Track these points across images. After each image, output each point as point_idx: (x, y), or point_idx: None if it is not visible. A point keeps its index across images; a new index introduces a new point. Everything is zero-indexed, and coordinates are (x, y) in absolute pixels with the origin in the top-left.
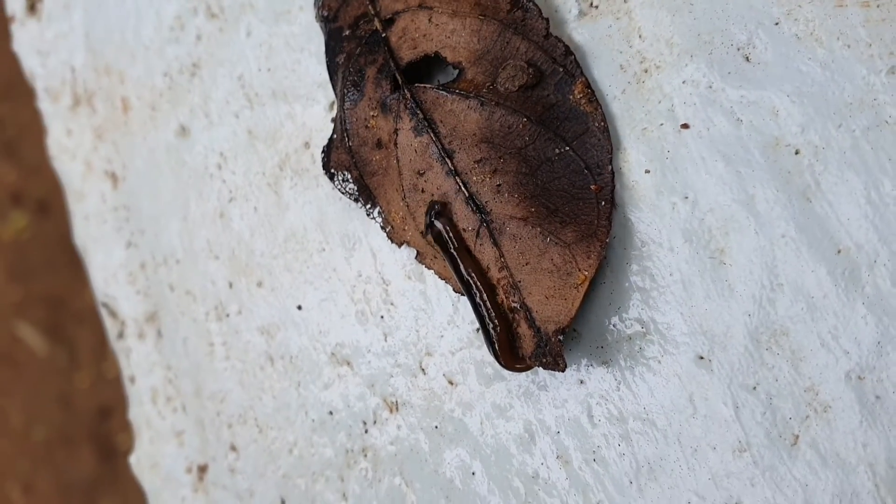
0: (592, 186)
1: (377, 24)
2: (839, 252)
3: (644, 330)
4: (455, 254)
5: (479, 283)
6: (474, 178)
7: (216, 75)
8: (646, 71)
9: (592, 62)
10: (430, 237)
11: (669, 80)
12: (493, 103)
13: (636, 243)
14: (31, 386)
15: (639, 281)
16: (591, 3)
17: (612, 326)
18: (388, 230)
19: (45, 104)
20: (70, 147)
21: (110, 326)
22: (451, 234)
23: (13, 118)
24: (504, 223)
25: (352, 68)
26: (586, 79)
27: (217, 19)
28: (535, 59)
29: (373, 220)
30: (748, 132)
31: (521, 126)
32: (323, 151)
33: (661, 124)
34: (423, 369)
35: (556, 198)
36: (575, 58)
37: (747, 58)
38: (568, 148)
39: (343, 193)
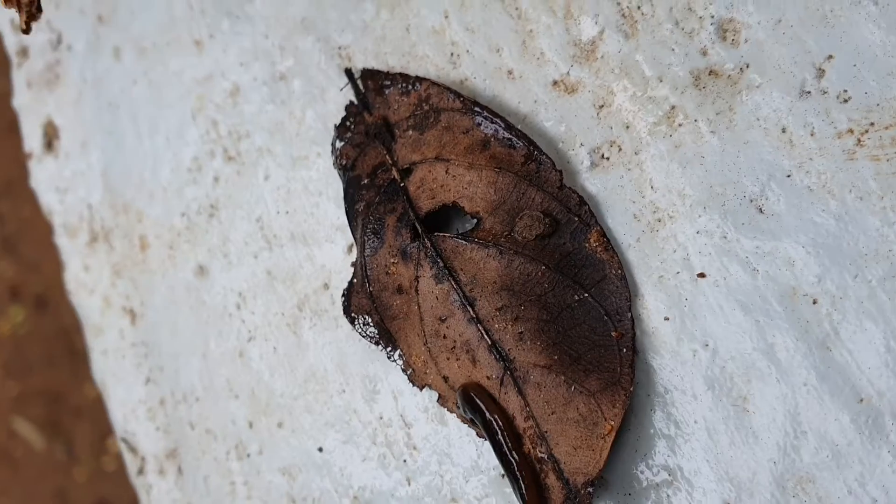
0: (613, 333)
1: (395, 173)
2: (861, 401)
3: (671, 477)
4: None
5: (506, 433)
6: (496, 326)
7: (234, 217)
8: (659, 220)
9: (606, 211)
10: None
11: (683, 230)
12: (511, 252)
13: (659, 390)
14: (29, 482)
15: (664, 428)
16: (603, 155)
17: (639, 474)
18: (409, 373)
19: (62, 240)
20: (88, 283)
21: (130, 462)
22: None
23: (13, 214)
24: (528, 371)
25: (371, 216)
26: (601, 227)
27: (234, 162)
28: (550, 209)
29: (394, 363)
30: (765, 282)
31: (539, 273)
32: (343, 295)
33: (678, 272)
34: None
35: (578, 345)
36: (589, 207)
37: (760, 209)
38: (587, 294)
39: (364, 337)
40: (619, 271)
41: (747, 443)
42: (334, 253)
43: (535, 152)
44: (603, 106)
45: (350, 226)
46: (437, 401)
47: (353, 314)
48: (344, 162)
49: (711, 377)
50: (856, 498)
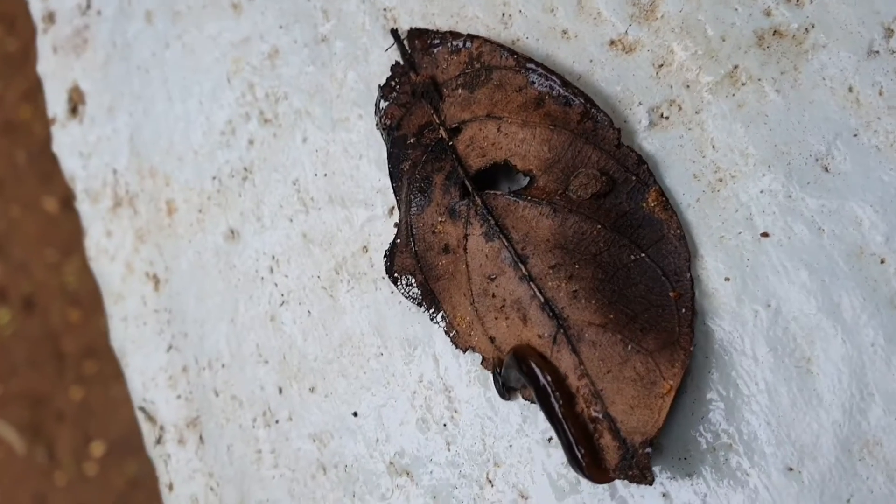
0: (671, 293)
1: (443, 132)
2: None
3: (729, 441)
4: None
5: (556, 392)
6: (549, 284)
7: (269, 180)
8: (720, 180)
9: (665, 171)
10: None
11: (746, 190)
12: (565, 210)
13: (718, 351)
14: (8, 485)
15: (722, 390)
16: (661, 114)
17: (695, 437)
18: (452, 335)
19: (83, 205)
20: (109, 249)
21: (147, 432)
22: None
23: (1, 215)
24: (582, 330)
25: (418, 175)
26: (659, 187)
27: (271, 125)
28: (607, 168)
29: (436, 325)
30: (830, 241)
31: (595, 233)
32: (386, 255)
33: (740, 233)
34: (490, 481)
35: (634, 304)
36: (647, 167)
37: (826, 168)
38: (644, 254)
39: (406, 297)
40: (678, 231)
41: (811, 405)
42: (374, 216)
43: (592, 110)
44: (662, 65)
45: (393, 186)
46: (481, 363)
47: (395, 274)
48: (388, 122)
49: (773, 338)
50: None
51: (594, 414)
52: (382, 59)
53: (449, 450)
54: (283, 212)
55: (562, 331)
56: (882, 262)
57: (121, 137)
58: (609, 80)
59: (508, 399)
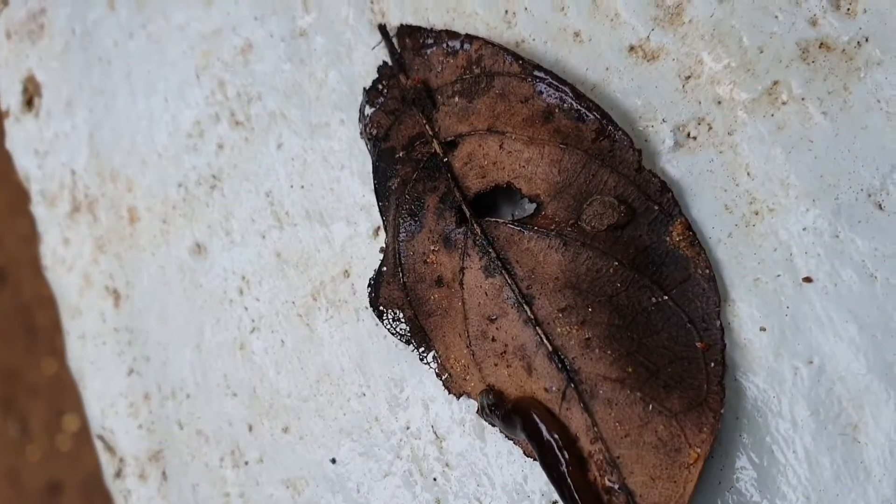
0: (698, 343)
1: (436, 146)
2: None
3: None
4: (537, 421)
5: (565, 453)
6: (558, 330)
7: (240, 189)
8: (756, 213)
9: (691, 200)
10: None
11: (786, 226)
12: (578, 243)
13: (750, 412)
14: None
15: (755, 457)
16: (689, 134)
17: None
18: (444, 378)
19: (39, 209)
20: (66, 258)
21: (106, 463)
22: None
23: None
24: (596, 385)
25: (408, 195)
26: (686, 219)
27: (243, 128)
28: (625, 195)
29: (426, 366)
30: (884, 290)
31: (611, 270)
32: (370, 285)
33: (778, 275)
34: None
35: (656, 356)
36: (672, 195)
37: (880, 205)
38: (667, 297)
39: (392, 334)
40: (707, 271)
41: (857, 479)
42: (357, 235)
43: (610, 127)
44: (690, 77)
45: (379, 205)
46: (477, 412)
47: (381, 307)
48: (375, 131)
49: (816, 400)
50: None
51: (608, 484)
52: (368, 57)
53: None
54: (255, 226)
55: (572, 385)
56: None
57: (80, 135)
58: (628, 92)
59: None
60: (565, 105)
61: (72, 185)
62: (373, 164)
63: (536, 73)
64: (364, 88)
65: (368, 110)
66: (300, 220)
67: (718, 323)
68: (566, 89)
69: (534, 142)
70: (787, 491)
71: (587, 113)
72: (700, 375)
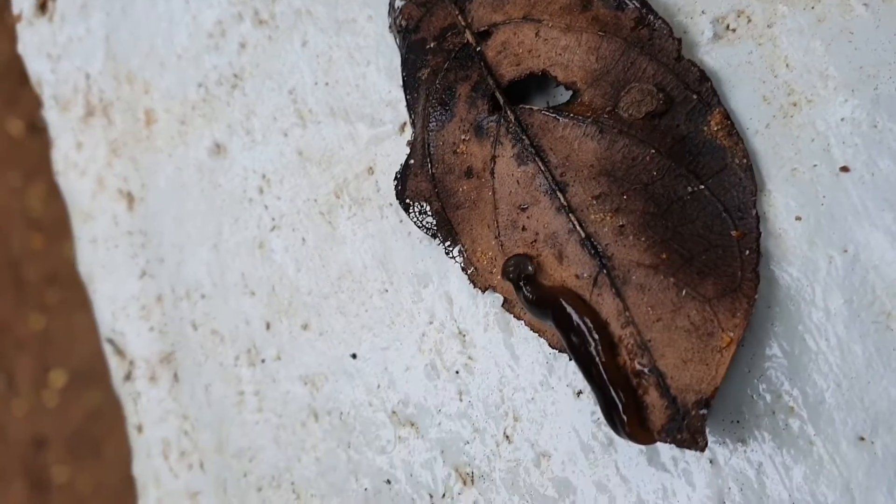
0: (733, 232)
1: (469, 36)
2: None
3: (792, 404)
4: (566, 305)
5: (597, 340)
6: (592, 217)
7: (262, 88)
8: (794, 104)
9: (730, 91)
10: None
11: (824, 117)
12: (614, 131)
13: (783, 301)
14: None
15: (786, 345)
16: (728, 26)
17: (752, 397)
18: (470, 272)
19: (51, 113)
20: (79, 162)
21: (115, 367)
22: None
23: None
24: (629, 271)
25: (439, 85)
26: (724, 108)
27: (266, 26)
28: (664, 84)
29: (452, 260)
30: None
31: (647, 158)
32: (397, 178)
33: (815, 165)
34: (507, 437)
35: (690, 244)
36: (711, 84)
37: None
38: (703, 186)
39: (419, 227)
40: (745, 161)
41: (889, 366)
42: (383, 132)
43: (649, 15)
44: None
45: (407, 98)
46: (503, 305)
47: (408, 200)
48: (405, 23)
49: (849, 288)
50: None
51: (639, 367)
52: None
53: (461, 400)
54: (277, 125)
55: (604, 271)
56: None
57: (95, 38)
58: None
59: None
60: None
61: (86, 89)
62: (402, 56)
63: None
64: None
65: (398, 3)
66: (324, 118)
67: (754, 212)
68: None
69: (571, 29)
70: (818, 379)
71: (626, 1)
72: (734, 263)
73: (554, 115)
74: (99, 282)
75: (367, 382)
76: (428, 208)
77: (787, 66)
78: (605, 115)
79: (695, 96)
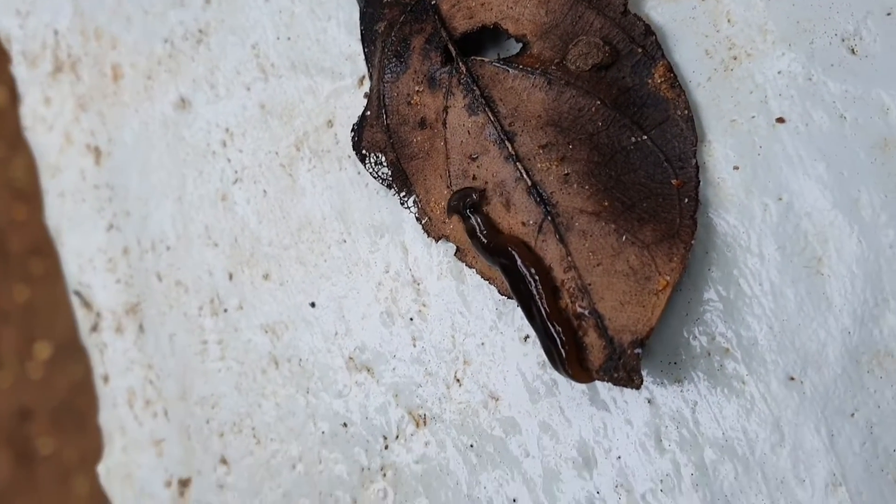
0: (674, 181)
1: None
2: None
3: (726, 346)
4: (504, 247)
5: (540, 285)
6: (538, 166)
7: (226, 43)
8: (735, 58)
9: (674, 45)
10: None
11: (763, 70)
12: (562, 82)
13: (720, 247)
14: None
15: (722, 290)
16: None
17: (688, 340)
18: (424, 221)
19: (20, 69)
20: (47, 117)
21: (82, 318)
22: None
23: None
24: (572, 218)
25: (394, 37)
26: (668, 62)
27: None
28: (610, 37)
29: (407, 210)
30: (853, 130)
31: (593, 109)
32: (353, 129)
33: (753, 117)
34: (458, 380)
35: (632, 192)
36: (656, 38)
37: (853, 50)
38: (646, 137)
39: (375, 178)
40: (686, 112)
41: (819, 310)
42: (341, 86)
43: None
44: None
45: (365, 51)
46: (455, 254)
47: (364, 151)
48: None
49: (783, 235)
50: None
51: (579, 310)
52: None
53: (415, 346)
54: (240, 79)
55: (549, 218)
56: None
57: None
58: None
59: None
60: None
61: (54, 45)
62: (360, 10)
63: None
64: None
65: None
66: (285, 72)
67: (694, 161)
68: None
69: None
70: (752, 321)
71: None
72: (673, 210)
73: (504, 66)
74: (67, 235)
75: (325, 330)
76: (383, 159)
77: (728, 21)
78: (554, 67)
79: (640, 49)
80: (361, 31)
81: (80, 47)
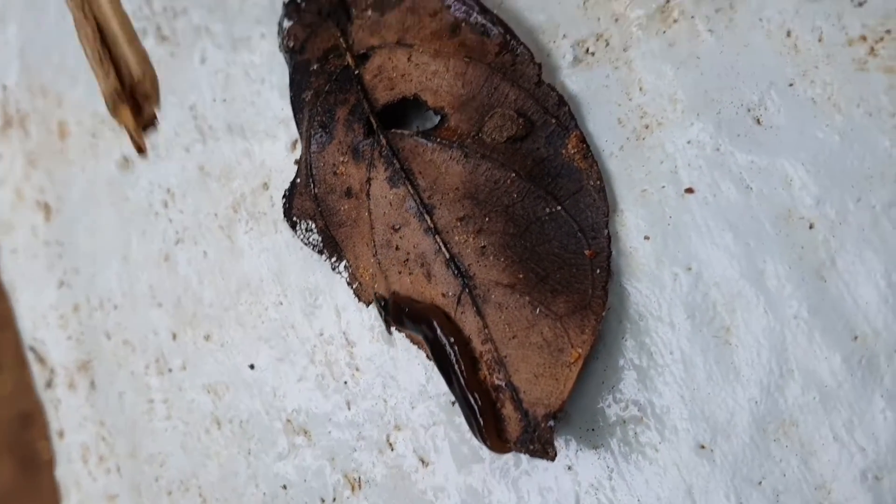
0: (587, 252)
1: (349, 59)
2: (856, 338)
3: (640, 413)
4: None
5: (459, 357)
6: (456, 238)
7: (165, 104)
8: (646, 127)
9: (587, 114)
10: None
11: (673, 139)
12: (478, 155)
13: (633, 316)
14: None
15: (635, 359)
16: (587, 50)
17: (605, 408)
18: (355, 286)
19: None
20: None
21: (38, 373)
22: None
23: None
24: (489, 290)
25: (320, 107)
26: (581, 132)
27: (168, 42)
28: (525, 109)
29: (338, 275)
30: (758, 201)
31: (508, 181)
32: (284, 196)
33: (663, 186)
34: (390, 444)
35: (546, 263)
36: (569, 109)
37: (758, 120)
38: (560, 208)
39: (306, 244)
40: (598, 182)
41: (727, 379)
42: (276, 149)
43: (512, 42)
44: None
45: (295, 118)
46: (383, 319)
47: (294, 218)
48: (291, 44)
49: (692, 304)
50: (842, 445)
51: (497, 381)
52: None
53: (349, 409)
54: (180, 140)
55: (467, 290)
56: (811, 227)
57: (11, 49)
58: (533, 8)
59: (391, 334)
60: (471, 19)
61: (3, 100)
62: (289, 76)
63: None
64: (283, 1)
65: (287, 23)
66: (222, 134)
67: (606, 232)
68: (472, 3)
69: (440, 55)
70: (664, 390)
71: (492, 27)
72: (586, 281)
73: (423, 139)
74: (20, 291)
75: (263, 392)
76: (313, 226)
77: (640, 89)
78: (470, 140)
79: (553, 120)
80: (291, 97)
81: (27, 103)
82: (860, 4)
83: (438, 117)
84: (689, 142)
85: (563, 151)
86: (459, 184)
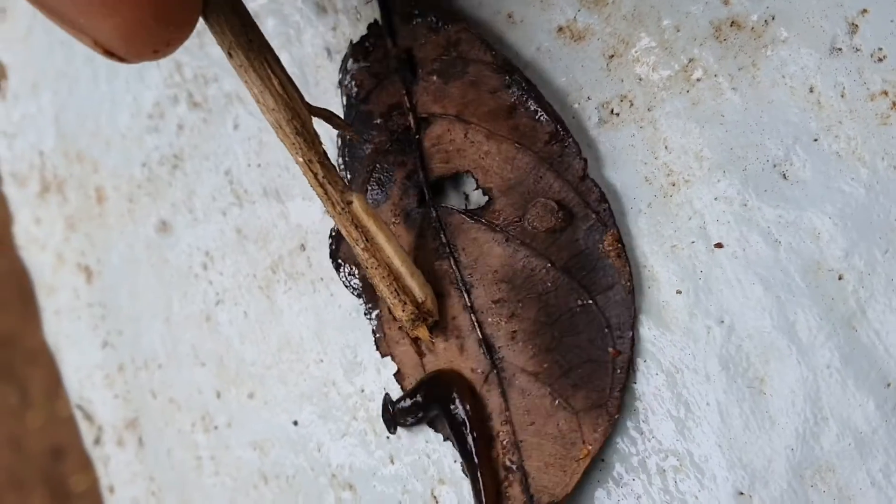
0: (611, 349)
1: (412, 121)
2: (888, 385)
3: (679, 463)
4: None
5: (473, 429)
6: (489, 320)
7: (201, 169)
8: (673, 185)
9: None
10: None
11: (700, 196)
12: (517, 241)
13: (669, 368)
14: None
15: (672, 409)
16: (612, 111)
17: (644, 458)
18: (377, 336)
19: (11, 189)
20: (39, 237)
21: (86, 431)
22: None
23: None
24: (514, 375)
25: (379, 164)
26: (618, 231)
27: (200, 109)
28: (567, 201)
29: (368, 321)
30: (787, 255)
31: (544, 271)
32: (331, 235)
33: (693, 242)
34: (435, 497)
35: (571, 355)
36: (609, 206)
37: (784, 175)
38: (591, 301)
39: (346, 287)
40: (629, 283)
41: (763, 428)
42: (312, 211)
43: (562, 133)
44: (613, 56)
45: (345, 163)
46: (395, 375)
47: (339, 260)
48: (356, 90)
49: (726, 356)
50: (879, 490)
51: (508, 463)
52: (316, 39)
53: (393, 463)
54: (216, 204)
55: (495, 371)
56: (840, 278)
57: (46, 117)
58: (557, 71)
59: (393, 432)
60: (527, 104)
61: (41, 166)
62: (349, 120)
63: (508, 67)
64: (351, 41)
65: (352, 65)
66: (258, 198)
67: (631, 334)
68: (530, 88)
69: (494, 136)
70: (702, 439)
71: (543, 115)
72: (606, 379)
73: (471, 218)
74: (65, 351)
75: (307, 448)
76: (356, 271)
77: (665, 147)
78: (512, 225)
79: (594, 215)
80: (343, 147)
81: (64, 169)
82: (880, 60)
83: (486, 197)
84: (716, 198)
85: (601, 247)
86: (498, 266)
